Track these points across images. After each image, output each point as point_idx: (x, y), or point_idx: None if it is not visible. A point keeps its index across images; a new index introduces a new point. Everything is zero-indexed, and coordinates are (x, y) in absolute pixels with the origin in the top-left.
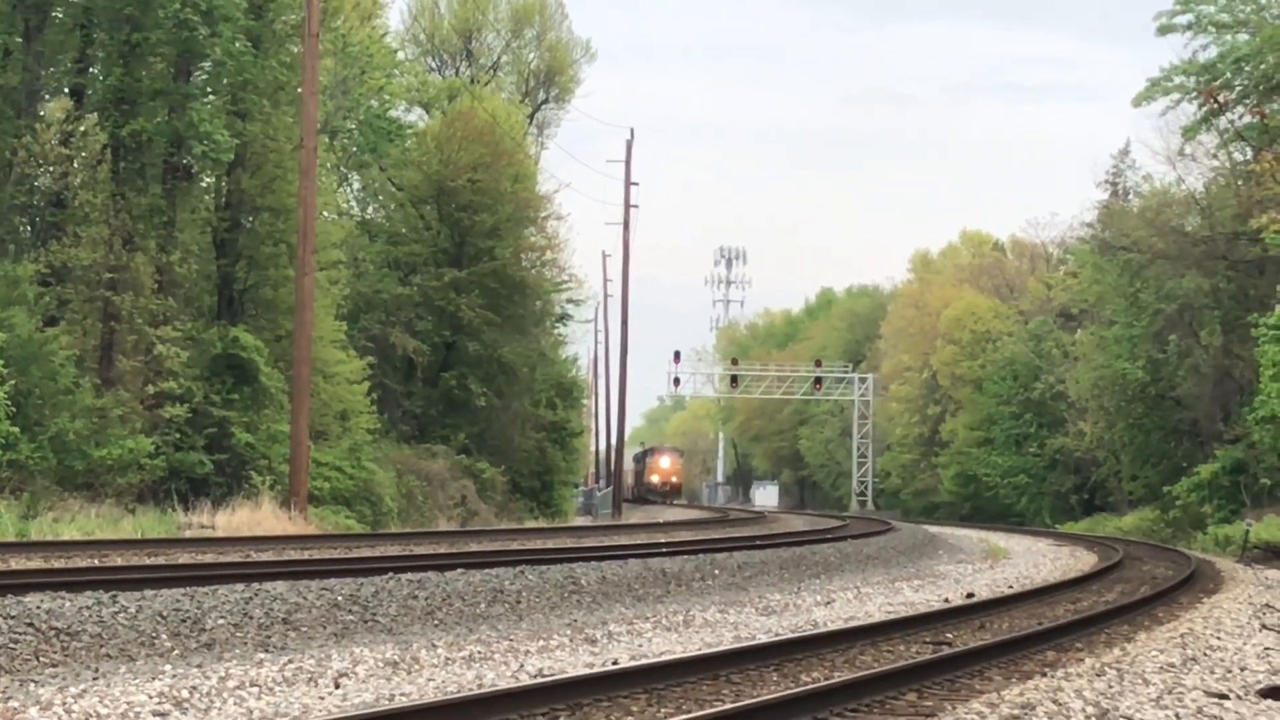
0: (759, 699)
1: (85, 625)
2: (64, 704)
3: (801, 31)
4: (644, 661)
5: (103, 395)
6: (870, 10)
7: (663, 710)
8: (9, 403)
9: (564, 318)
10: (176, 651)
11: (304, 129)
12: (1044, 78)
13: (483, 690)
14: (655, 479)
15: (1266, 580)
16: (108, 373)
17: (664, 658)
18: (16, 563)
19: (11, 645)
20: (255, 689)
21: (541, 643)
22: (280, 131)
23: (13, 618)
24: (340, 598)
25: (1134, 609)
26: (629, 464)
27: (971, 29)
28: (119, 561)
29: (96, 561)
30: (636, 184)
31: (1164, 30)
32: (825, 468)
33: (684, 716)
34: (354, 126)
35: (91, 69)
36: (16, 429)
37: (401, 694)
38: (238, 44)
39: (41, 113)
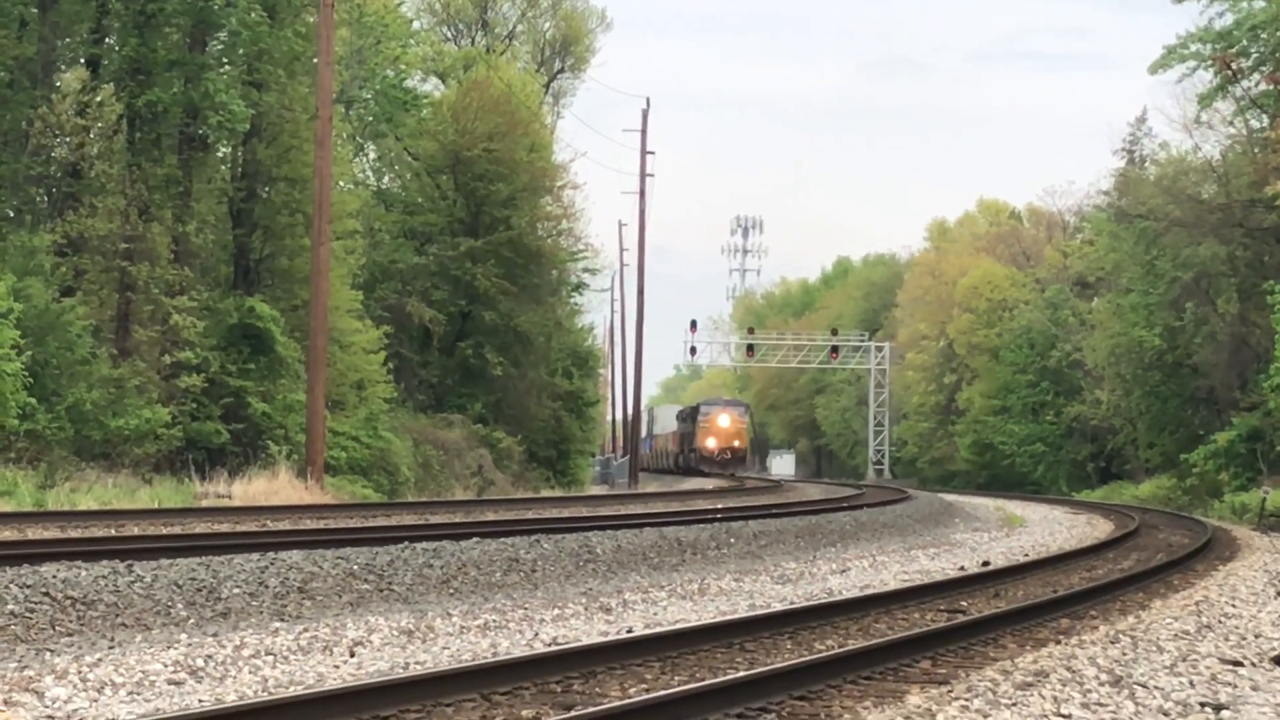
0: (772, 667)
1: (101, 595)
2: (79, 673)
3: (822, 1)
4: (658, 630)
5: (119, 365)
6: None
7: (676, 678)
8: (26, 373)
9: (580, 287)
10: (192, 620)
11: (319, 99)
12: (1062, 46)
13: (497, 658)
14: (712, 443)
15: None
16: (124, 343)
17: (678, 626)
18: (33, 532)
19: (28, 615)
20: (270, 658)
21: (557, 611)
22: (296, 101)
23: (29, 587)
24: (356, 567)
25: (1149, 576)
26: (672, 425)
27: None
28: (135, 531)
29: (113, 531)
30: (652, 153)
31: None
32: (842, 436)
33: (696, 684)
34: (370, 96)
35: (107, 39)
36: (34, 399)
37: (416, 662)
38: (253, 14)
39: (57, 84)
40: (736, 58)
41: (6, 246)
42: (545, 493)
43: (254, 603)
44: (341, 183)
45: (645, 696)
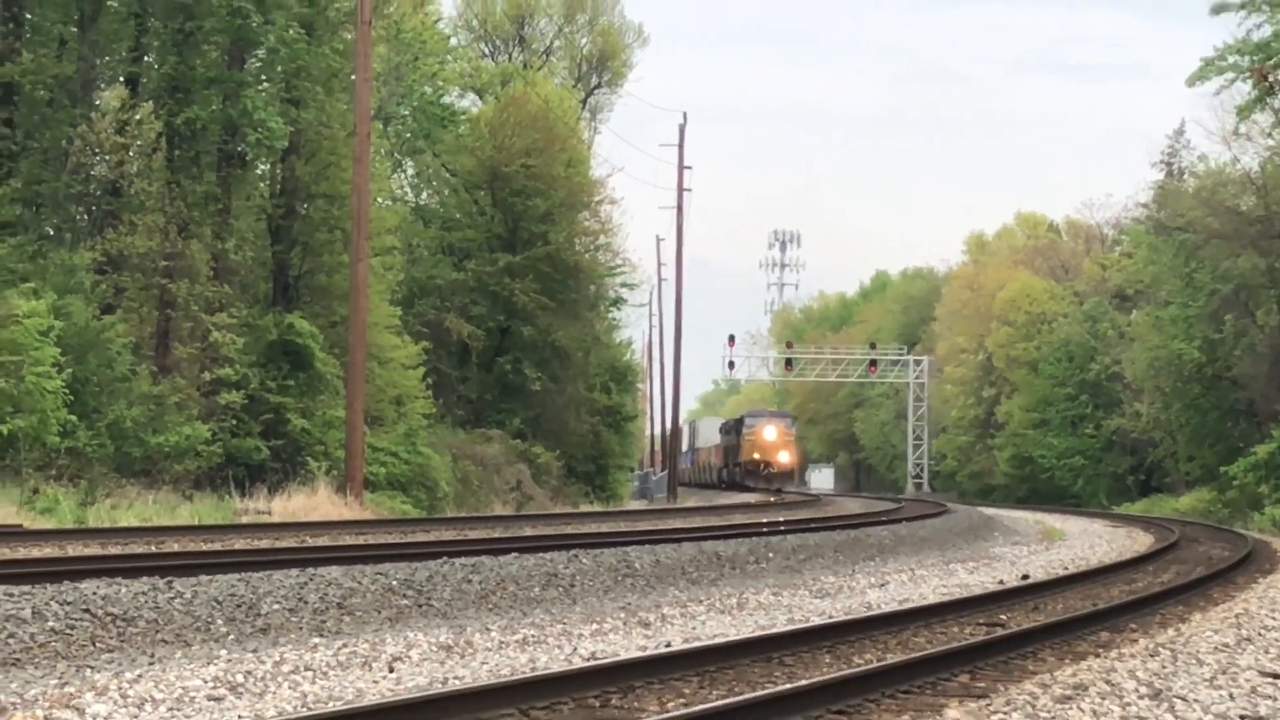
0: (810, 681)
1: (141, 611)
2: (119, 689)
3: (857, 14)
4: (696, 644)
5: (159, 382)
6: None
7: (715, 692)
8: (67, 390)
9: (618, 302)
10: (232, 636)
11: (358, 116)
12: (1099, 57)
13: (536, 673)
14: (757, 456)
15: None
16: (164, 360)
17: (716, 640)
18: (74, 549)
19: (68, 631)
20: (310, 673)
21: (595, 626)
22: (334, 118)
23: (69, 604)
24: (395, 582)
25: (1189, 589)
26: (715, 438)
27: (1026, 8)
28: (175, 548)
29: (153, 548)
30: (689, 168)
31: (1218, 9)
32: (880, 450)
33: (734, 699)
34: (407, 113)
35: (146, 58)
36: (74, 416)
37: (455, 677)
38: (291, 31)
39: (97, 102)
40: (774, 71)
41: (47, 265)
42: (584, 507)
43: (293, 618)
44: (380, 199)
45: (683, 711)
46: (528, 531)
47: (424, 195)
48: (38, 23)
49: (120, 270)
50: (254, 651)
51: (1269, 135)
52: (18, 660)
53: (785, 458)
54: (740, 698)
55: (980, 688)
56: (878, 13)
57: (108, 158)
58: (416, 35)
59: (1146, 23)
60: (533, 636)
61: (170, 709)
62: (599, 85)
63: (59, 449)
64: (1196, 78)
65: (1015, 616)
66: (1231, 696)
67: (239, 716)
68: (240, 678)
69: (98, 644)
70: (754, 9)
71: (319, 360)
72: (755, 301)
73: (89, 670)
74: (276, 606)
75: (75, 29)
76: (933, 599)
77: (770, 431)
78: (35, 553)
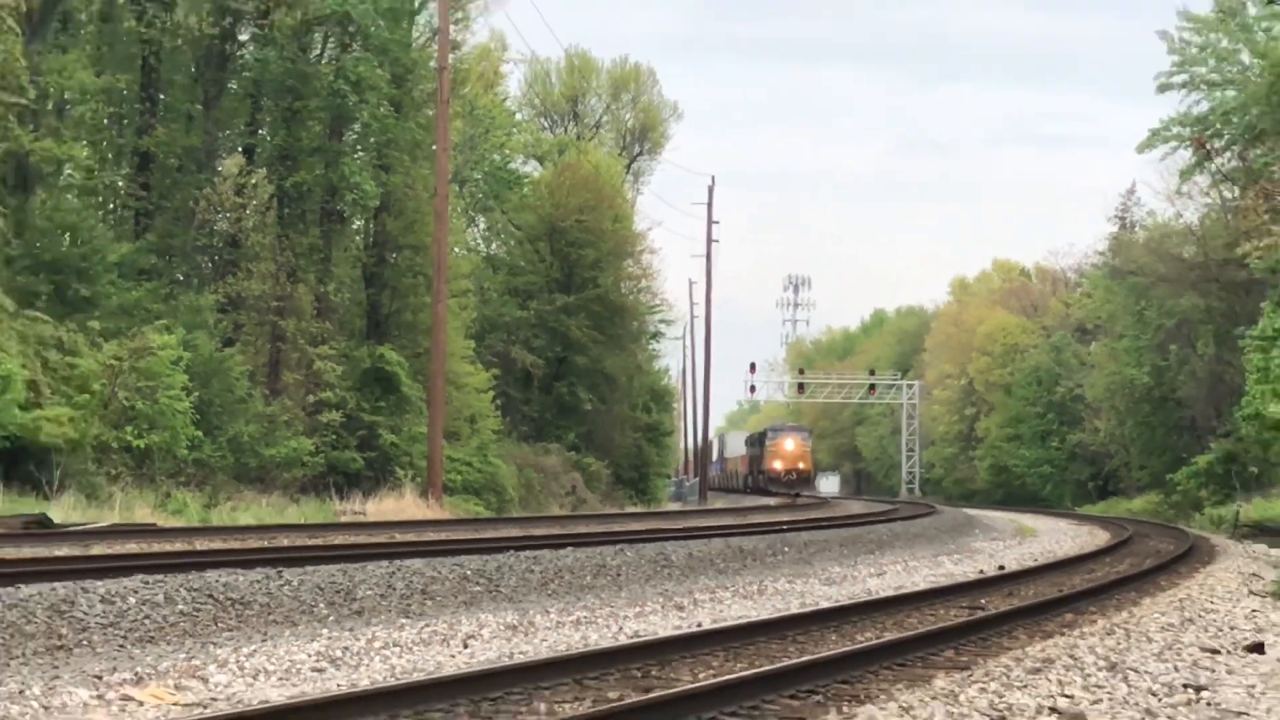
0: (820, 655)
1: (256, 596)
2: (237, 662)
3: (860, 93)
4: (723, 624)
5: (271, 404)
6: (920, 74)
7: (738, 665)
8: (194, 411)
9: (656, 335)
10: (332, 618)
11: (438, 179)
12: (1064, 129)
13: (588, 649)
14: (779, 465)
15: (1253, 553)
16: (275, 384)
17: (740, 621)
18: (200, 544)
19: (195, 613)
20: (397, 649)
21: (637, 609)
22: (418, 181)
23: (196, 590)
24: (469, 572)
25: (1140, 578)
26: (741, 449)
27: (1005, 88)
28: (285, 542)
29: (266, 543)
30: (717, 222)
31: (1163, 88)
32: (879, 460)
33: (755, 670)
34: (479, 176)
35: (260, 131)
36: (200, 433)
37: (519, 652)
38: (382, 109)
39: (219, 168)
40: (791, 138)
41: (177, 305)
42: (629, 509)
43: (383, 602)
44: (456, 249)
45: (712, 681)
46: (581, 529)
47: (493, 246)
48: (170, 102)
49: (238, 309)
50: (350, 630)
51: (1206, 194)
52: (152, 638)
53: (803, 466)
54: (760, 669)
55: (963, 661)
56: (881, 91)
57: (228, 215)
58: (487, 112)
59: (1104, 100)
60: (585, 617)
61: (280, 679)
62: (640, 153)
63: (187, 460)
64: (1145, 146)
65: (993, 601)
66: (1176, 669)
67: (338, 685)
68: (339, 653)
69: (219, 624)
70: (775, 87)
71: (405, 385)
72: (773, 334)
73: (212, 646)
74: (369, 592)
75: (201, 107)
76: (923, 586)
77: (790, 443)
78: (167, 547)
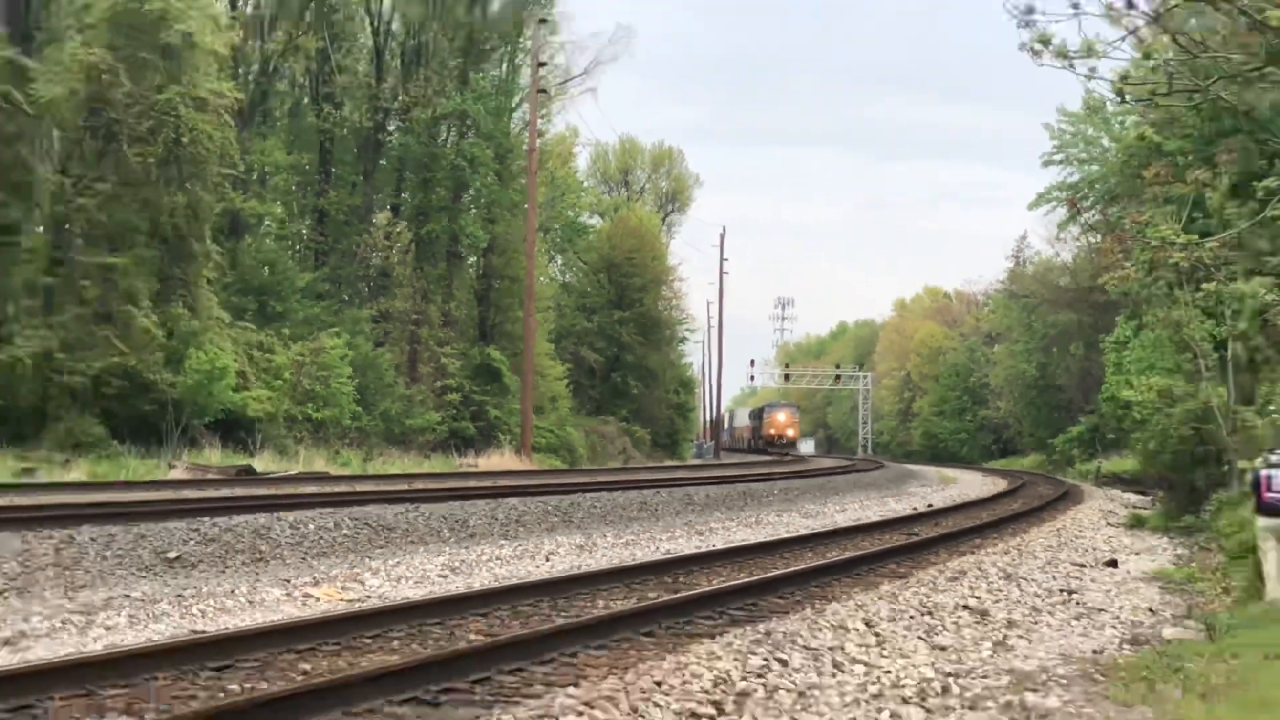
0: (800, 567)
1: (399, 524)
2: (385, 570)
3: (834, 167)
4: (731, 545)
5: (410, 388)
6: (877, 153)
7: (741, 574)
8: (356, 393)
9: (683, 340)
10: (452, 539)
11: (528, 229)
12: (978, 193)
13: (635, 562)
14: (772, 432)
15: (1110, 496)
16: (413, 374)
17: (743, 543)
18: (359, 487)
19: (355, 536)
20: (499, 561)
21: (669, 534)
22: (514, 230)
23: (356, 519)
24: (549, 507)
25: (1029, 513)
26: (746, 421)
27: (936, 163)
28: (420, 486)
29: (406, 486)
30: (727, 259)
31: (1046, 164)
32: (842, 429)
33: (754, 577)
34: (557, 227)
35: (403, 194)
36: (360, 408)
37: (585, 565)
38: (488, 179)
39: (373, 221)
40: (781, 198)
41: (344, 318)
42: (664, 463)
43: (489, 528)
44: (541, 279)
45: (722, 585)
46: (629, 478)
47: (567, 276)
48: (339, 174)
49: (387, 321)
50: (465, 548)
51: (1077, 239)
52: (325, 553)
53: (790, 433)
54: (756, 577)
55: (902, 572)
56: (850, 165)
57: (380, 254)
58: (563, 181)
59: (1006, 172)
60: (632, 540)
61: (415, 583)
62: (672, 210)
63: (350, 427)
64: (1034, 205)
65: (923, 529)
66: (1054, 578)
67: (456, 586)
68: (457, 564)
69: (372, 544)
70: (773, 162)
71: (505, 375)
72: (766, 339)
73: (367, 559)
74: (479, 521)
75: (361, 177)
76: (874, 519)
77: (781, 416)
78: (336, 489)
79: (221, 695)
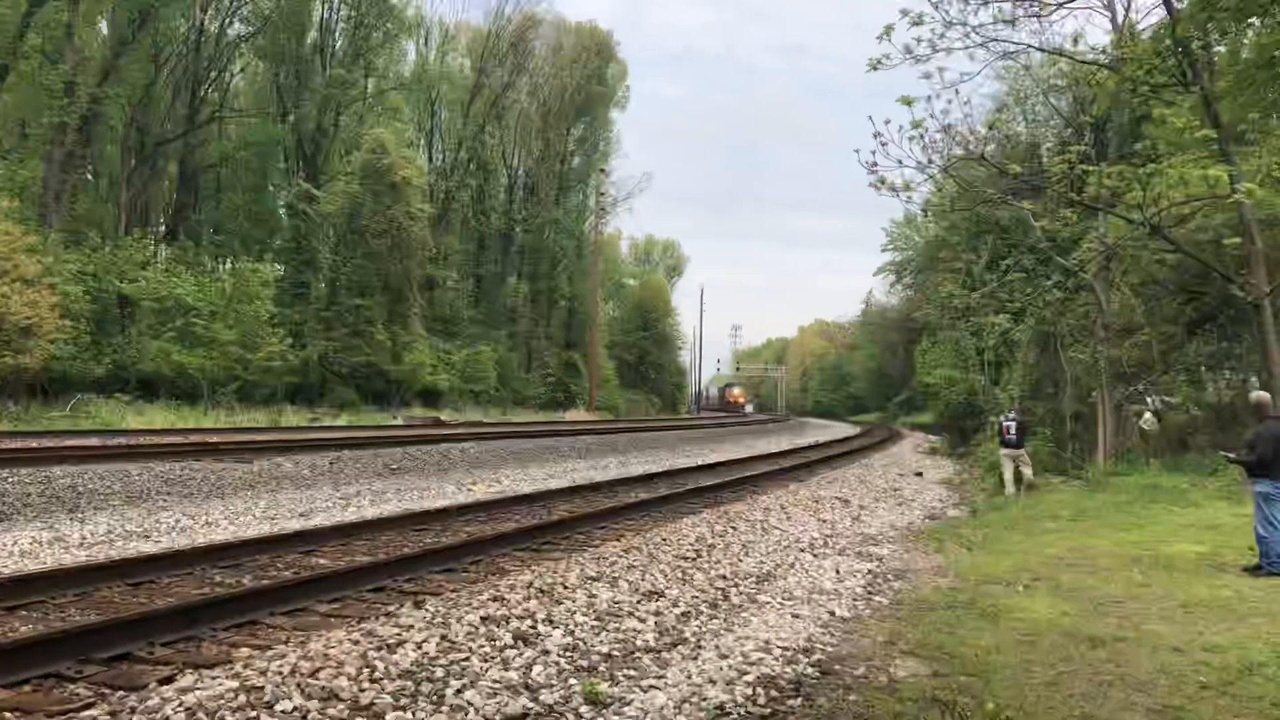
0: (737, 476)
1: (522, 449)
2: (510, 476)
3: (760, 250)
4: (705, 463)
5: (527, 375)
6: (787, 244)
7: (711, 477)
8: (497, 377)
9: (680, 348)
10: (550, 460)
11: (592, 285)
12: (846, 265)
13: (648, 471)
14: (730, 400)
15: (920, 437)
16: (529, 367)
17: (711, 460)
18: (500, 429)
19: (496, 457)
20: (577, 471)
21: (673, 457)
22: (585, 287)
23: (498, 447)
24: (604, 441)
25: (872, 446)
26: (716, 393)
27: (822, 253)
28: (531, 429)
29: (524, 428)
30: (705, 306)
31: (884, 249)
32: (769, 399)
33: (727, 478)
34: (609, 285)
35: (524, 266)
36: (499, 387)
37: (625, 474)
38: (572, 258)
39: (508, 281)
40: (735, 267)
41: (491, 334)
42: (668, 417)
43: (571, 453)
44: (601, 315)
45: (701, 484)
46: (649, 424)
47: (615, 313)
48: (487, 254)
49: (513, 337)
50: (555, 464)
51: (903, 292)
52: (478, 466)
53: (742, 401)
54: (724, 479)
55: (801, 478)
56: (772, 250)
57: (513, 299)
58: (612, 259)
59: (863, 254)
60: (651, 459)
61: (529, 484)
62: (674, 277)
63: (494, 395)
64: (876, 273)
65: (811, 456)
66: (885, 481)
67: (554, 485)
68: (554, 473)
69: (506, 462)
70: (733, 249)
71: (580, 367)
72: (726, 347)
73: (503, 470)
74: (566, 450)
75: (501, 255)
76: (786, 448)
77: (737, 390)
78: (486, 430)
79: (419, 543)
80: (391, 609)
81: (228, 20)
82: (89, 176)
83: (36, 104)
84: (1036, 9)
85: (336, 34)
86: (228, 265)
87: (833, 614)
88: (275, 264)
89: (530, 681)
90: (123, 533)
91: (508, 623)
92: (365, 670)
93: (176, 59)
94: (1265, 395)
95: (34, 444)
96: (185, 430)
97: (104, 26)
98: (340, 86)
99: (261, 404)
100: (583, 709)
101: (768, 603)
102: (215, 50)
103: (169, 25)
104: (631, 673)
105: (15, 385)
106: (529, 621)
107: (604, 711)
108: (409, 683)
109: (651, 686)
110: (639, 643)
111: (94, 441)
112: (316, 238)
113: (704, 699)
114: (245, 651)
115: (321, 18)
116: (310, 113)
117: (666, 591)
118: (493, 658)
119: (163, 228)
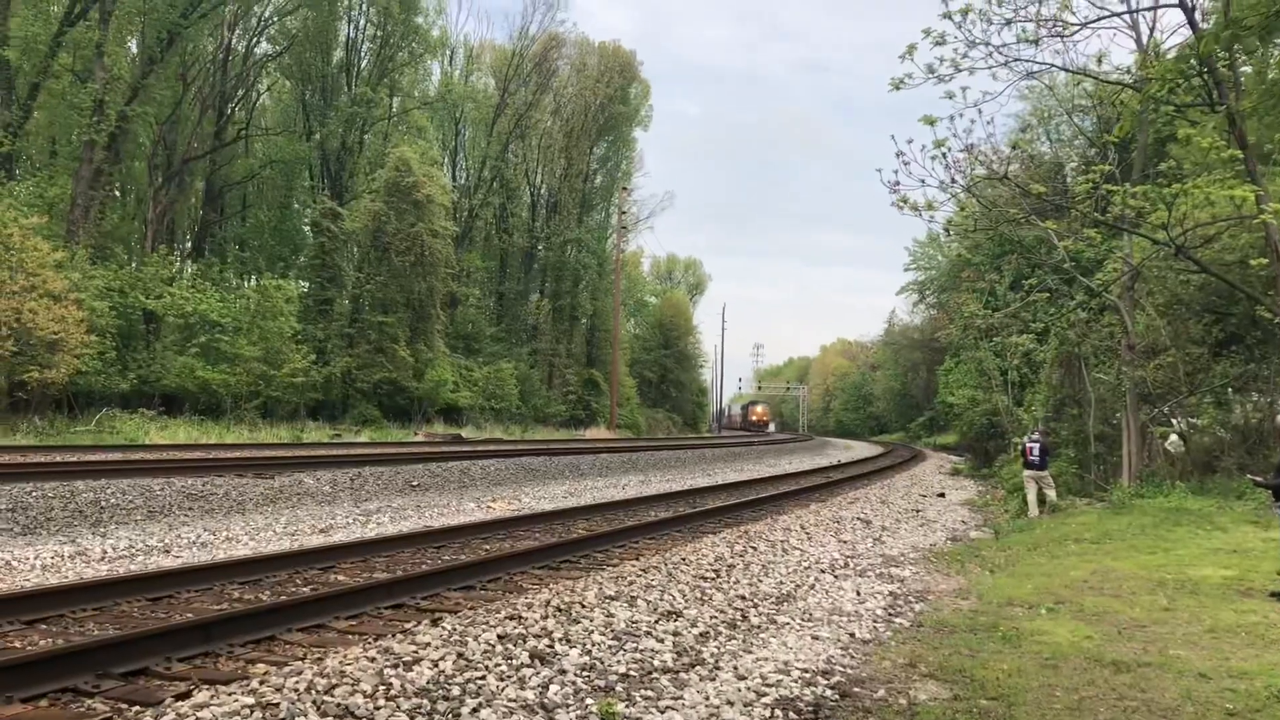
0: (765, 494)
1: (541, 467)
2: (531, 494)
3: (783, 269)
4: (726, 482)
5: (549, 391)
6: (810, 261)
7: (731, 497)
8: (519, 396)
9: (701, 365)
10: (570, 477)
11: (615, 304)
12: (870, 284)
13: (670, 491)
14: (754, 419)
15: (942, 457)
16: (549, 384)
17: (734, 480)
18: (519, 446)
19: (516, 474)
20: (596, 490)
21: (693, 475)
22: (607, 305)
23: (518, 465)
24: (624, 459)
25: (896, 466)
26: (738, 412)
27: (849, 271)
28: (554, 446)
29: (543, 447)
30: (726, 324)
31: (906, 269)
32: (791, 417)
33: (740, 499)
34: (631, 303)
35: (546, 284)
36: (522, 403)
37: (644, 492)
38: (594, 276)
39: (529, 298)
40: (757, 284)
41: (513, 353)
42: (689, 436)
43: (591, 471)
44: (623, 333)
45: (721, 503)
46: (670, 442)
47: (636, 330)
48: (510, 272)
49: (535, 354)
50: (576, 482)
51: (926, 311)
52: (499, 484)
53: (766, 419)
54: (743, 499)
55: (823, 499)
56: (793, 267)
57: (534, 316)
58: (634, 277)
59: (887, 274)
60: (672, 478)
61: (549, 501)
62: (695, 295)
63: (515, 414)
64: (900, 291)
65: (835, 475)
66: (908, 502)
67: (577, 502)
68: (574, 491)
69: (527, 479)
70: (754, 265)
71: (601, 385)
72: (748, 366)
73: (524, 487)
74: (586, 468)
75: (523, 274)
76: (808, 467)
77: (760, 408)
78: (506, 448)
79: (438, 560)
80: (409, 626)
81: (255, 40)
82: (116, 193)
83: (66, 122)
84: (1060, 29)
85: (362, 53)
86: (252, 282)
87: (853, 636)
88: (299, 281)
89: (546, 701)
90: (144, 547)
91: (525, 641)
92: (381, 688)
93: (204, 78)
94: None
95: (58, 458)
96: (208, 445)
97: (133, 46)
98: (365, 105)
99: (284, 420)
100: None
101: (787, 624)
102: (242, 69)
103: (197, 45)
104: (649, 693)
105: (41, 399)
106: (546, 640)
107: None
108: (425, 701)
109: (669, 708)
110: (656, 663)
111: (117, 456)
112: (340, 255)
113: None
114: (262, 668)
115: (348, 37)
116: (335, 131)
117: (685, 611)
118: (509, 676)
119: (189, 244)
